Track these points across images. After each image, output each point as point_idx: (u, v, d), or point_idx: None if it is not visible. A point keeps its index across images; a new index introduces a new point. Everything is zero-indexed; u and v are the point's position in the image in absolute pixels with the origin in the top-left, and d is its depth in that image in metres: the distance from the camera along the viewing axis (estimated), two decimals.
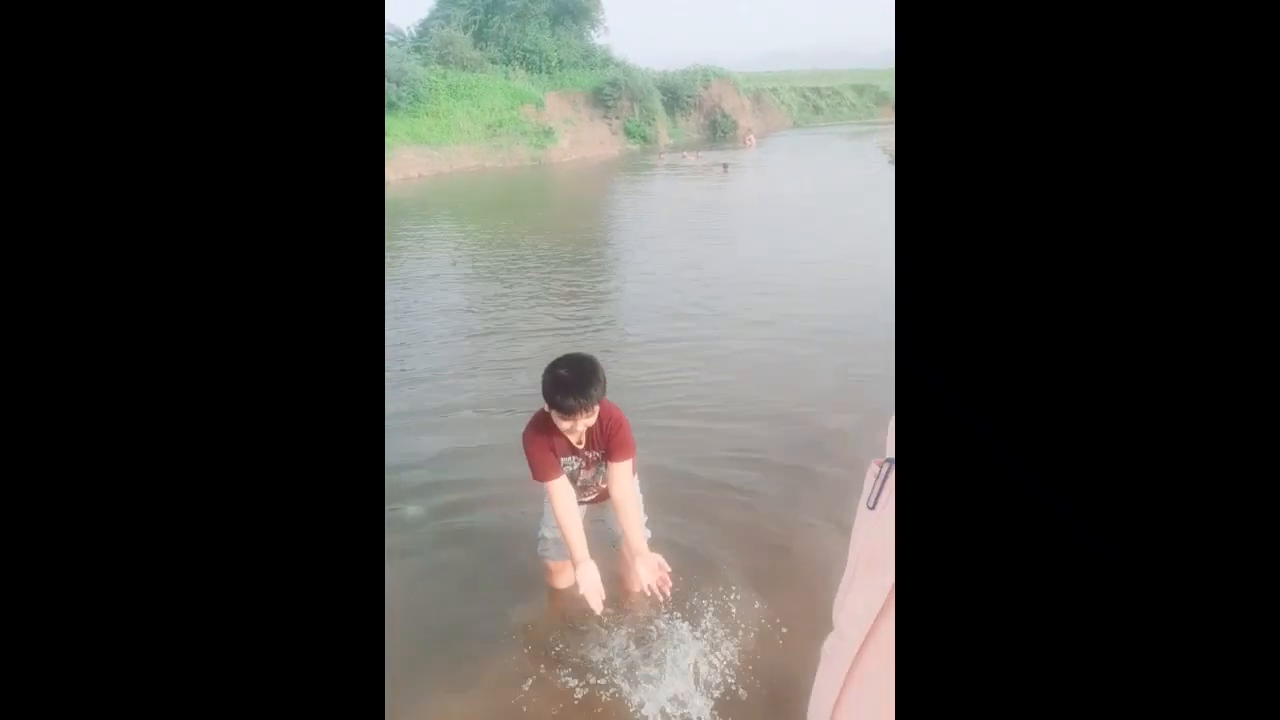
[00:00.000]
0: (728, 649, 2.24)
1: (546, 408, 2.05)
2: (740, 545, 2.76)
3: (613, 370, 4.83)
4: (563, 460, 2.16)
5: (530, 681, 2.15)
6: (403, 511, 3.01)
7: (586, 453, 2.19)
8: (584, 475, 2.24)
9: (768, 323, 5.59)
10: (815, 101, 39.12)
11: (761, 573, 2.60)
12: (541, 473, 2.12)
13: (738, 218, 11.29)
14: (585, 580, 2.05)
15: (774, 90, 35.56)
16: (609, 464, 2.18)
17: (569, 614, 2.40)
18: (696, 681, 2.12)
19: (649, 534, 2.40)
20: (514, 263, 8.09)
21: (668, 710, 2.02)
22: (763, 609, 2.40)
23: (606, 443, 2.17)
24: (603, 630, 2.31)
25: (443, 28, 24.24)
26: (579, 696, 2.10)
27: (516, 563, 2.63)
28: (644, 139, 24.90)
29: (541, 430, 2.12)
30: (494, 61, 24.17)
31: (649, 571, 2.06)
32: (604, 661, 2.21)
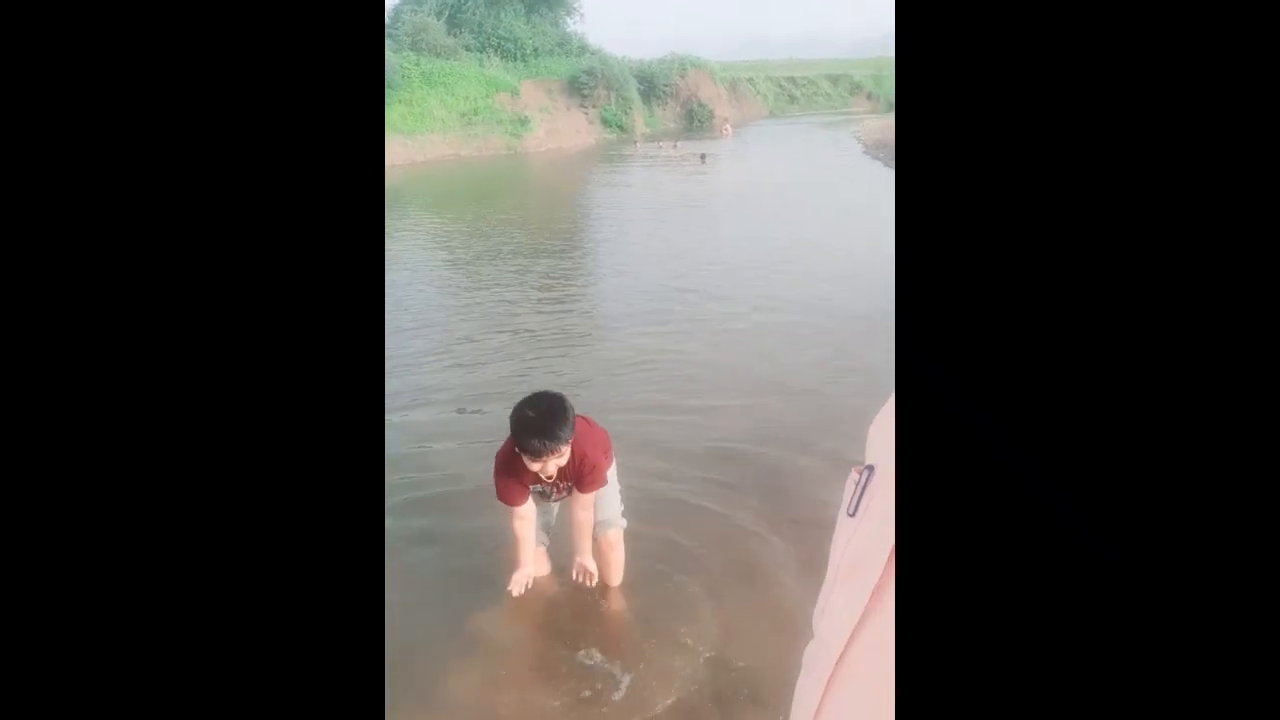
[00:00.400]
0: (705, 647, 2.22)
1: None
2: (717, 539, 2.74)
3: (588, 359, 4.86)
4: (532, 487, 2.20)
5: (500, 688, 2.12)
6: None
7: (560, 482, 2.20)
8: (554, 497, 2.31)
9: (745, 313, 5.58)
10: (791, 91, 39.29)
11: (739, 566, 2.58)
12: (508, 500, 2.19)
13: (717, 206, 11.30)
14: (515, 577, 2.31)
15: (750, 80, 35.66)
16: (576, 493, 2.23)
17: (537, 618, 2.39)
18: (672, 681, 2.09)
19: (624, 523, 2.39)
20: (489, 254, 8.03)
21: (641, 710, 1.99)
22: (741, 605, 2.39)
23: (578, 480, 2.18)
24: (576, 637, 2.29)
25: (415, 13, 23.91)
26: (555, 704, 2.06)
27: (474, 562, 2.60)
28: (620, 128, 24.72)
29: (511, 463, 2.13)
30: (468, 49, 23.86)
31: (581, 571, 2.34)
32: (577, 668, 2.18)
